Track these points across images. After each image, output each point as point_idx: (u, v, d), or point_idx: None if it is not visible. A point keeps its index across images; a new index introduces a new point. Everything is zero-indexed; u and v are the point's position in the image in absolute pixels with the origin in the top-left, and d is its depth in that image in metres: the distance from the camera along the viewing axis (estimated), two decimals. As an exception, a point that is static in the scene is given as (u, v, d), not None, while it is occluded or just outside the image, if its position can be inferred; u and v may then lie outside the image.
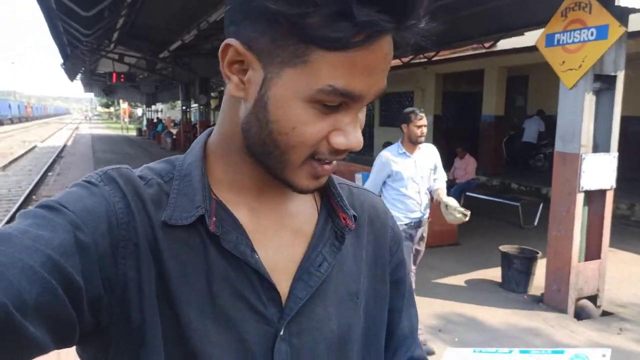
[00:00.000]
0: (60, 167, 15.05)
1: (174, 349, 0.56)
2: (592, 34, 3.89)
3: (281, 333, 0.59)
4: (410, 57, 13.03)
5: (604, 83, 4.12)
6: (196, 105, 20.00)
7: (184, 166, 0.62)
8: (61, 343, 0.49)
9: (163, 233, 0.57)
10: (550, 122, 10.13)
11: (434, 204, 3.72)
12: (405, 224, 3.47)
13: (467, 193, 8.78)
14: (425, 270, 5.34)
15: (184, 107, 21.30)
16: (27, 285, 0.44)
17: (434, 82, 13.39)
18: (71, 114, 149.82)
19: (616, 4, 3.59)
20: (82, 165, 15.07)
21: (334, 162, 0.57)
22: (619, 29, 3.74)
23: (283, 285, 0.61)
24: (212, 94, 28.57)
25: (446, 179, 3.79)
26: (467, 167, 8.76)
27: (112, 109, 71.41)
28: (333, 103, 0.52)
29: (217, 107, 31.98)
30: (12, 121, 55.29)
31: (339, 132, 0.54)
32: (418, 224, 3.56)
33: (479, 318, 4.13)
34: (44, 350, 0.46)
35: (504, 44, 10.82)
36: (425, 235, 3.72)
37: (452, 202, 3.55)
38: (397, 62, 14.17)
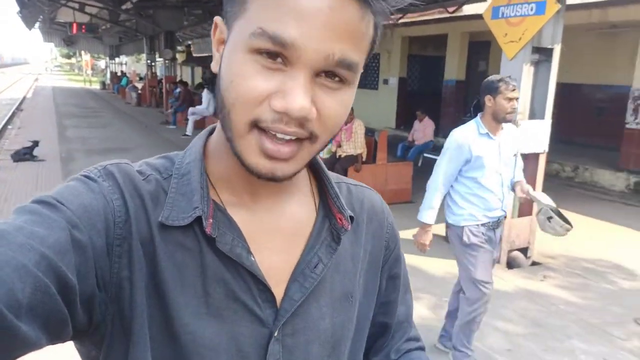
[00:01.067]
0: (21, 121, 14.72)
1: (165, 349, 0.56)
2: (531, 9, 4.20)
3: (275, 334, 0.60)
4: (378, 18, 13.11)
5: (542, 55, 4.48)
6: (162, 59, 19.57)
7: (183, 164, 0.61)
8: (54, 339, 0.49)
9: (159, 233, 0.56)
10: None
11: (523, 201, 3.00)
12: (483, 224, 2.81)
13: (425, 154, 9.23)
14: (377, 225, 5.77)
15: (149, 61, 20.79)
16: (20, 284, 0.43)
17: (400, 44, 13.59)
18: (29, 63, 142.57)
19: (552, -18, 3.89)
20: (44, 119, 14.79)
21: (291, 144, 0.53)
22: (555, 5, 4.06)
23: (278, 287, 0.61)
24: (179, 48, 27.88)
25: (522, 166, 3.17)
26: (425, 129, 9.16)
27: (73, 60, 68.51)
28: (267, 49, 0.49)
29: (185, 62, 31.25)
30: (-35, 70, 52.55)
31: (279, 94, 0.50)
32: (497, 223, 2.89)
33: (422, 267, 4.59)
34: (37, 347, 0.46)
35: (468, 9, 11.05)
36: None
37: (545, 199, 2.96)
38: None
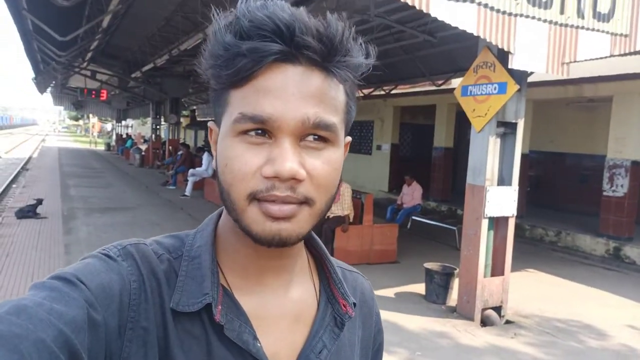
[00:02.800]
0: (26, 180, 15.19)
1: None
2: (495, 89, 4.73)
3: None
4: (371, 89, 14.03)
5: (507, 128, 4.96)
6: (167, 123, 20.41)
7: (194, 247, 0.63)
8: None
9: (171, 318, 0.58)
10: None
11: None
12: None
13: (413, 217, 9.59)
14: (361, 284, 6.02)
15: (154, 125, 21.67)
16: (38, 359, 0.44)
17: (392, 113, 14.36)
18: (38, 125, 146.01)
19: (509, 67, 4.43)
20: (48, 178, 15.27)
21: (290, 204, 0.55)
22: (514, 86, 4.59)
23: None
24: (184, 113, 29.02)
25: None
26: (413, 193, 9.57)
27: (81, 122, 70.51)
28: (249, 128, 0.54)
29: (189, 126, 32.34)
30: (-25, 130, 54.12)
31: (269, 162, 0.54)
32: None
33: (399, 323, 4.81)
34: None
35: (456, 82, 11.83)
36: None
37: None
38: (359, 93, 15.11)
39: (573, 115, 11.44)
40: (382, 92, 13.92)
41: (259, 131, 0.54)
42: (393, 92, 13.77)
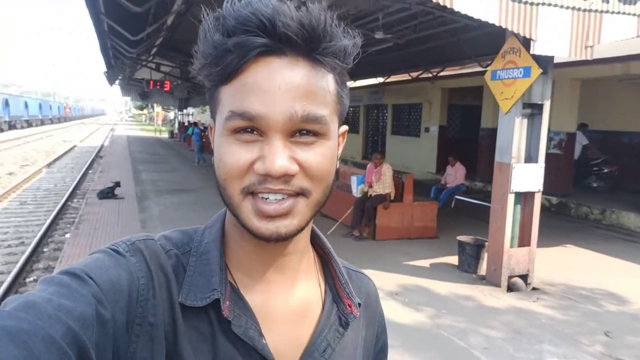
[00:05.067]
0: (102, 166, 16.75)
1: None
2: (520, 73, 5.09)
3: None
4: (419, 72, 14.32)
5: (534, 109, 5.31)
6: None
7: (202, 243, 0.64)
8: None
9: (180, 312, 0.59)
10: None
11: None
12: None
13: (456, 196, 9.98)
14: (399, 255, 6.59)
15: (213, 113, 22.85)
16: (46, 355, 0.44)
17: (440, 95, 14.59)
18: (107, 115, 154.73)
19: (531, 52, 4.78)
20: (120, 165, 16.75)
21: (285, 201, 0.56)
22: (538, 70, 4.94)
23: None
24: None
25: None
26: (456, 173, 9.94)
27: (145, 111, 74.33)
28: (240, 126, 0.55)
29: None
30: (52, 121, 58.57)
31: (260, 159, 0.55)
32: None
33: (430, 288, 5.35)
34: None
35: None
36: None
37: None
38: (406, 76, 15.43)
39: (625, 92, 11.25)
40: (430, 75, 14.19)
41: (249, 129, 0.55)
42: (441, 74, 14.00)
